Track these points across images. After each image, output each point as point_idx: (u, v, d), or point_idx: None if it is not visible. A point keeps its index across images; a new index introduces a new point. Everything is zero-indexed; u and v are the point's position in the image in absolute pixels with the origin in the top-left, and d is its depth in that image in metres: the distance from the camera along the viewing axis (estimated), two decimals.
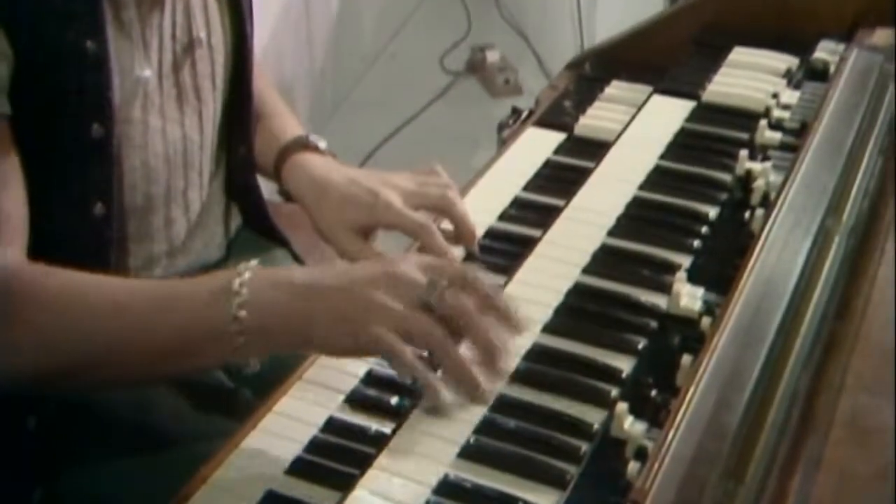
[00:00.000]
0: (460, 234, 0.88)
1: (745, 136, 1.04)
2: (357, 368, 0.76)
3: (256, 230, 1.00)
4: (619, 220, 0.93)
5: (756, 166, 0.97)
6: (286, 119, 1.00)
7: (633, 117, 1.09)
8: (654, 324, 0.80)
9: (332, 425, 0.72)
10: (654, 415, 0.71)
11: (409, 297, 0.69)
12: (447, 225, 0.89)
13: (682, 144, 1.04)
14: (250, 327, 0.68)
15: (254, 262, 0.71)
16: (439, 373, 0.71)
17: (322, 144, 0.95)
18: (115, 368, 0.71)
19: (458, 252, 0.88)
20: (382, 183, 0.89)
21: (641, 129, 1.07)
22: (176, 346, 0.70)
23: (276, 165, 0.94)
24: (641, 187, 0.98)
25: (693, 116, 1.09)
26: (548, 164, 1.03)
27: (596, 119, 1.09)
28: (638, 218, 0.94)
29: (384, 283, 0.69)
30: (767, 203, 0.92)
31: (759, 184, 0.95)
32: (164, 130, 0.84)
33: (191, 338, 0.70)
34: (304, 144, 0.95)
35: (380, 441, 0.70)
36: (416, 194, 0.88)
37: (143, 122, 0.82)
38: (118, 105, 0.79)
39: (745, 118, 1.06)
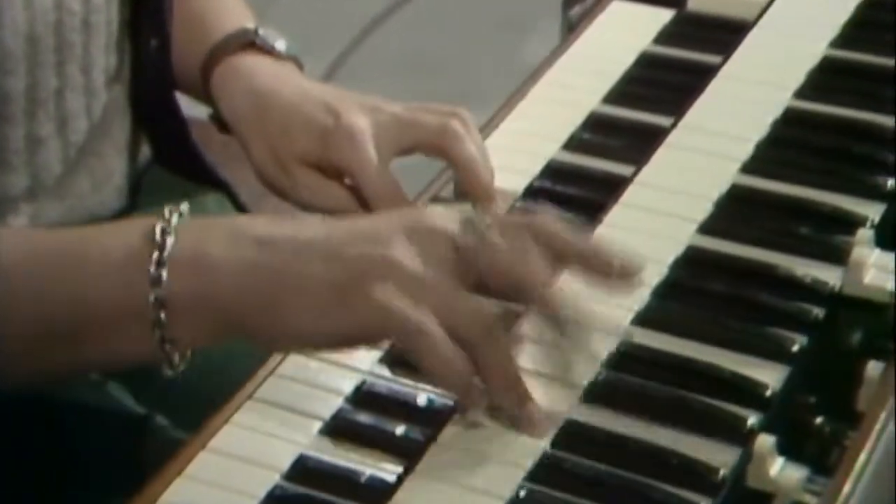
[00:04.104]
0: (469, 193, 0.86)
1: None
2: (340, 382, 0.77)
3: (173, 169, 1.01)
4: (760, 147, 0.94)
5: None
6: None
7: None
8: (819, 312, 0.81)
9: (302, 468, 0.73)
10: (820, 455, 0.72)
11: (435, 251, 0.70)
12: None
13: (865, 24, 1.05)
14: (175, 296, 0.70)
15: (185, 206, 0.72)
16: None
17: (280, 45, 0.95)
18: None
19: None
20: (358, 104, 0.88)
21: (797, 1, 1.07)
22: (75, 321, 0.72)
23: (203, 73, 0.95)
24: (798, 95, 0.98)
25: None
26: (644, 60, 1.04)
27: None
28: (792, 144, 0.94)
29: (397, 236, 0.70)
30: None
31: None
32: None
33: (96, 310, 0.71)
34: (248, 42, 0.95)
35: (379, 492, 0.71)
36: (399, 122, 0.87)
37: None
38: None
39: None
